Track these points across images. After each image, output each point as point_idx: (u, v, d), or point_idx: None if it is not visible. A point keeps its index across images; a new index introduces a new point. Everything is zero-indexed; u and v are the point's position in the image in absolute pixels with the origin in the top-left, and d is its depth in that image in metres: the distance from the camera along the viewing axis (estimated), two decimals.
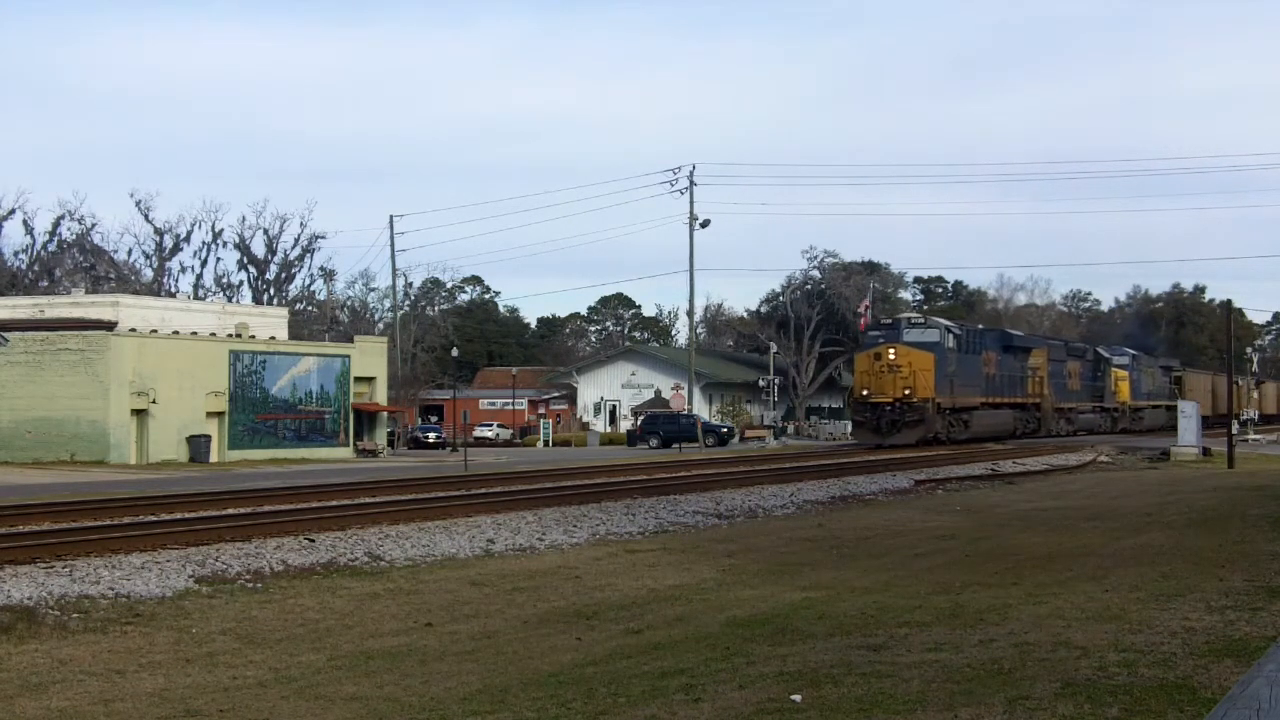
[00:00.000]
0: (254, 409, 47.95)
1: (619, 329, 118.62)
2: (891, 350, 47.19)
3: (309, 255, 79.90)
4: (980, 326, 56.19)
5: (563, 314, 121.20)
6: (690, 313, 77.42)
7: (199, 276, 77.16)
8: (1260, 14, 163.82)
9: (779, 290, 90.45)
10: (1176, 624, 11.05)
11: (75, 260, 74.20)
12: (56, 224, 73.48)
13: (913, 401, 46.32)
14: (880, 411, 46.88)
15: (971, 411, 50.03)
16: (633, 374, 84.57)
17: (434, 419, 79.90)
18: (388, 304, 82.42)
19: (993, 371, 52.47)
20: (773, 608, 12.56)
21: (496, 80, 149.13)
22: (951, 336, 49.20)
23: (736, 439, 66.37)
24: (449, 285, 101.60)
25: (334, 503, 20.54)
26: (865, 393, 47.33)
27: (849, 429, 61.98)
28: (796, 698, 8.47)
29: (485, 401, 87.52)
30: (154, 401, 43.88)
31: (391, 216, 76.20)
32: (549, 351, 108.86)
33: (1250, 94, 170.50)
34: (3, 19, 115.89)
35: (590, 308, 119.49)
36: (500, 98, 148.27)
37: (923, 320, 50.27)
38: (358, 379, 53.17)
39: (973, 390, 50.30)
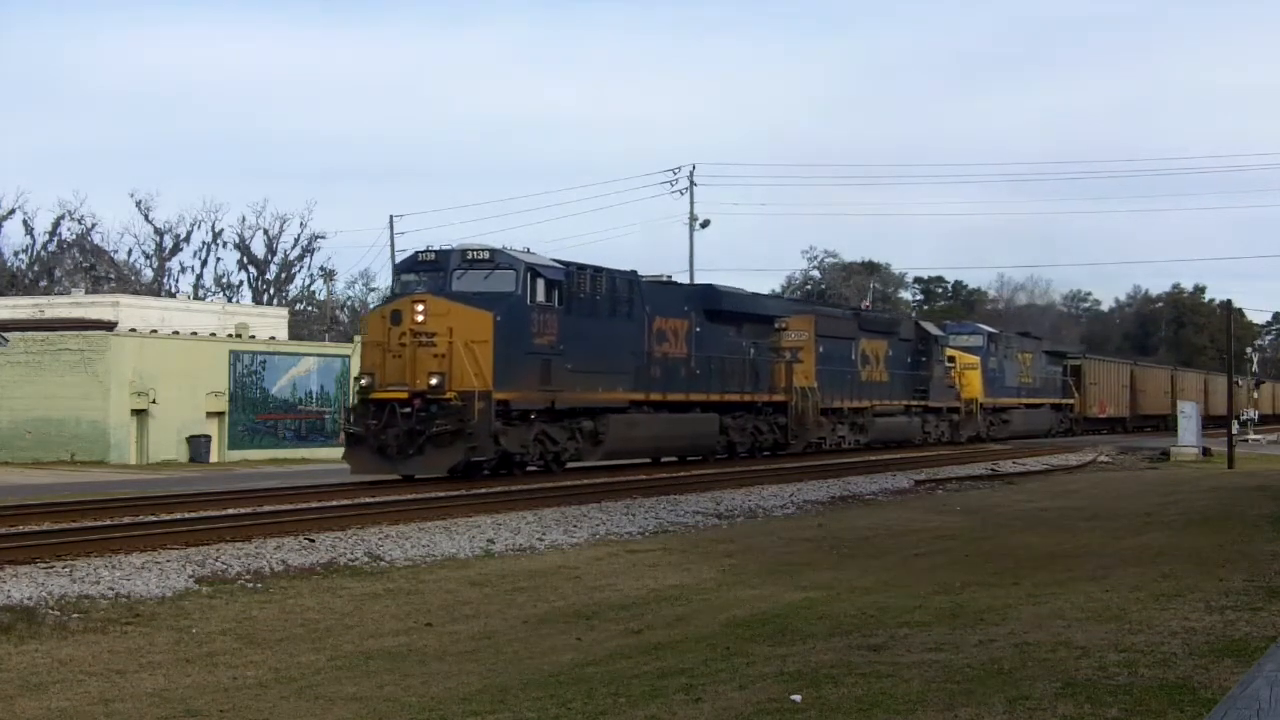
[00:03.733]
0: (254, 409, 47.93)
1: None
2: (420, 306, 24.84)
3: (309, 255, 79.87)
4: (638, 273, 30.50)
5: None
6: None
7: (199, 276, 77.20)
8: (1261, 14, 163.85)
9: (779, 290, 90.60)
10: (1177, 624, 11.06)
11: (75, 260, 74.19)
12: (56, 224, 73.50)
13: (447, 399, 24.21)
14: (390, 416, 24.30)
15: (604, 417, 28.00)
16: None
17: None
18: None
19: (670, 350, 30.59)
20: (773, 608, 12.56)
21: (497, 80, 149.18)
22: (543, 284, 26.16)
23: None
24: None
25: (334, 503, 20.52)
26: (365, 381, 24.97)
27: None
28: (796, 698, 8.47)
29: None
30: (154, 401, 43.85)
31: (391, 216, 75.94)
32: None
33: (1250, 94, 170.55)
34: (2, 19, 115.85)
35: None
36: (500, 98, 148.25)
37: (487, 257, 25.82)
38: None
39: (606, 378, 28.15)
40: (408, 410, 24.25)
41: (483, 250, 26.09)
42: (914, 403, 44.57)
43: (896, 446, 43.06)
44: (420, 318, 24.79)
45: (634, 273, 29.92)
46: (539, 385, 25.93)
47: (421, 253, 26.71)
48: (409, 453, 24.14)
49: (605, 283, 28.36)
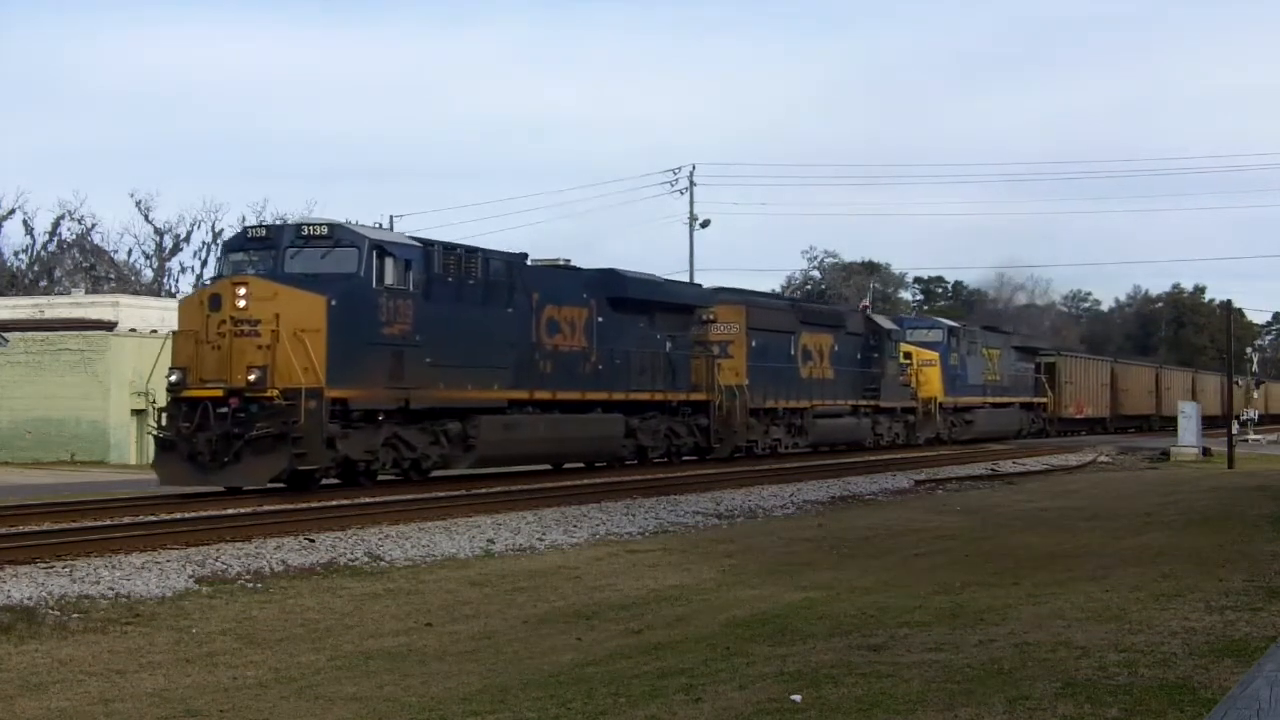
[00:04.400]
0: None
1: None
2: (242, 290, 21.45)
3: None
4: (527, 256, 27.07)
5: None
6: None
7: (199, 277, 77.10)
8: (1261, 14, 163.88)
9: (779, 290, 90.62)
10: (1177, 624, 11.07)
11: (75, 260, 74.19)
12: (56, 224, 73.46)
13: (268, 397, 20.89)
14: (203, 418, 21.02)
15: (475, 418, 24.43)
16: None
17: None
18: None
19: (564, 342, 27.01)
20: (773, 608, 12.57)
21: (497, 80, 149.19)
22: (392, 265, 22.59)
23: None
24: None
25: (334, 503, 20.50)
26: (175, 378, 21.93)
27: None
28: (796, 698, 8.47)
29: None
30: (154, 402, 43.85)
31: (391, 216, 75.91)
32: None
33: (1250, 94, 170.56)
34: (2, 19, 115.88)
35: None
36: (500, 98, 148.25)
37: (325, 233, 22.39)
38: None
39: (477, 373, 24.50)
40: (224, 411, 20.86)
41: (321, 225, 22.69)
42: (863, 403, 40.85)
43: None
44: (242, 303, 21.21)
45: (522, 255, 26.48)
46: (388, 382, 22.33)
47: (252, 228, 23.64)
48: (224, 460, 20.75)
49: (479, 265, 24.60)
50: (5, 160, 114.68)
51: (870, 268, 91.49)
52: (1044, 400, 57.23)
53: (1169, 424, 65.19)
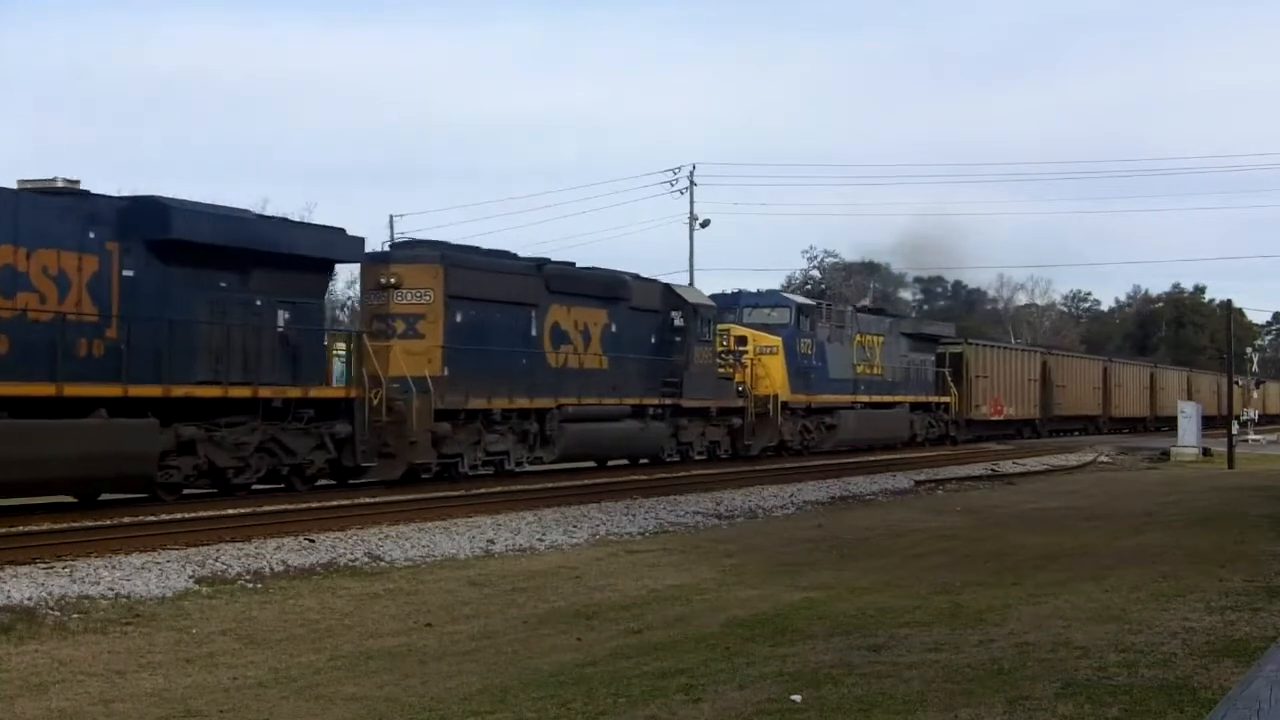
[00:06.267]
0: None
1: None
2: None
3: None
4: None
5: None
6: None
7: None
8: (1261, 15, 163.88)
9: (779, 290, 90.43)
10: (1177, 624, 11.08)
11: None
12: None
13: None
14: None
15: None
16: None
17: None
18: None
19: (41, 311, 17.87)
20: (773, 608, 12.57)
21: (496, 81, 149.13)
22: None
23: None
24: None
25: (334, 503, 20.52)
26: None
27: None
28: (796, 698, 8.48)
29: None
30: None
31: (391, 216, 75.81)
32: None
33: (1251, 94, 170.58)
34: (2, 19, 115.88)
35: None
36: (500, 98, 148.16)
37: None
38: None
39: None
40: None
41: None
42: (658, 401, 30.60)
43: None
44: None
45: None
46: None
47: None
48: None
49: None
50: (5, 160, 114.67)
51: (870, 268, 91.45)
52: (946, 399, 46.64)
53: (1121, 427, 63.09)
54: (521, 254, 28.56)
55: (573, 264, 30.01)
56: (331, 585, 13.92)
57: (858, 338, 40.94)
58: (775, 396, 35.39)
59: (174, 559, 14.75)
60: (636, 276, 31.51)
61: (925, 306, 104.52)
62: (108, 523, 17.49)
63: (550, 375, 27.49)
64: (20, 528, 16.77)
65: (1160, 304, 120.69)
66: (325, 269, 23.09)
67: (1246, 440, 51.24)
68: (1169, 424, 65.57)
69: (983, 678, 8.96)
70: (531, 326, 27.36)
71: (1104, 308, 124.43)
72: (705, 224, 73.42)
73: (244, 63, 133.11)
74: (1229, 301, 50.48)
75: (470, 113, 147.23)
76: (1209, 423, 53.50)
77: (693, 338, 32.20)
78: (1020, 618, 11.54)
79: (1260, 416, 70.33)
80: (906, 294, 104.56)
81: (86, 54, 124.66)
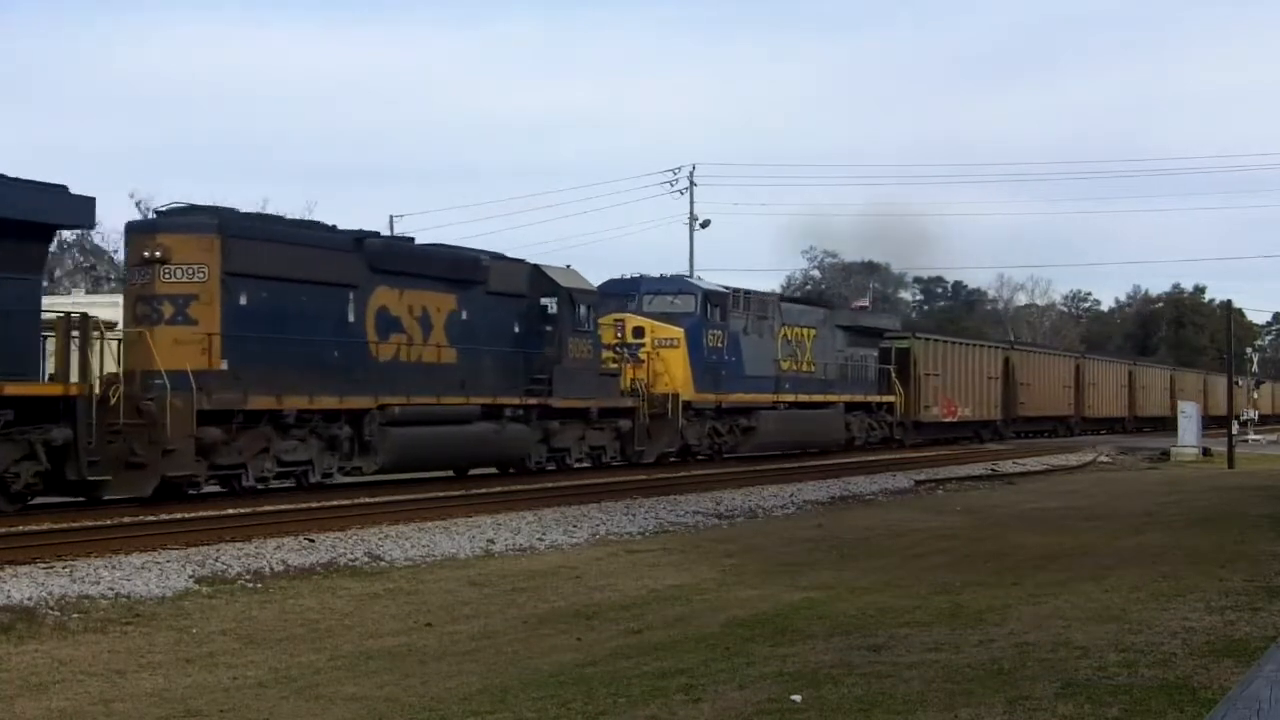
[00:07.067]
0: None
1: None
2: None
3: None
4: None
5: None
6: None
7: None
8: (1262, 14, 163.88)
9: (779, 290, 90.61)
10: (1177, 624, 11.08)
11: (75, 260, 74.24)
12: None
13: None
14: None
15: None
16: None
17: None
18: None
19: None
20: (773, 608, 12.57)
21: (496, 81, 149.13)
22: None
23: None
24: None
25: (334, 503, 20.52)
26: None
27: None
28: (796, 698, 8.48)
29: None
30: None
31: (391, 216, 75.72)
32: None
33: (1251, 94, 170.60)
34: (2, 19, 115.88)
35: None
36: (500, 98, 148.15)
37: None
38: None
39: None
40: None
41: None
42: (520, 401, 26.40)
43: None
44: None
45: None
46: None
47: None
48: None
49: None
50: (5, 160, 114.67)
51: (870, 268, 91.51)
52: (890, 399, 42.79)
53: (1096, 428, 60.99)
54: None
55: (411, 239, 26.31)
56: (331, 585, 13.92)
57: (783, 330, 36.36)
58: (675, 395, 31.10)
59: (174, 559, 14.75)
60: (497, 256, 26.83)
61: (925, 307, 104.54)
62: (108, 523, 17.50)
63: (374, 370, 23.13)
64: (20, 528, 16.77)
65: (1160, 304, 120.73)
66: (41, 236, 18.09)
67: (1246, 440, 51.27)
68: (1149, 425, 65.27)
69: (983, 678, 8.96)
70: (349, 312, 22.89)
71: (1104, 308, 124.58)
72: (705, 224, 73.43)
73: (244, 62, 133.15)
74: (1229, 302, 50.47)
75: (470, 113, 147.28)
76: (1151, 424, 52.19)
77: (568, 327, 27.72)
78: (1020, 618, 11.55)
79: (1260, 416, 70.27)
80: (906, 294, 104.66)
81: (85, 53, 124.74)
